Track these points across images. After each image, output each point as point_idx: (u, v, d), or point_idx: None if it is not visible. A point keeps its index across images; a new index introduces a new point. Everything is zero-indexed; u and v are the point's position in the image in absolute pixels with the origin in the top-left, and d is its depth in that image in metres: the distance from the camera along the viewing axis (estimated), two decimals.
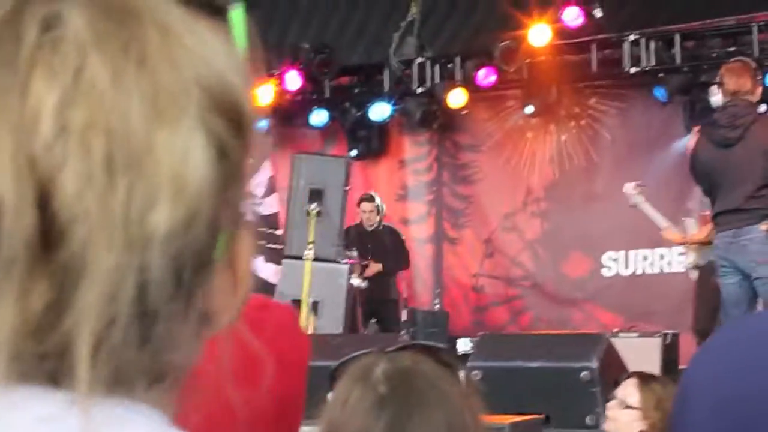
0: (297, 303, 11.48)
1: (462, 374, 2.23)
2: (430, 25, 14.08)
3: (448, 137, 15.02)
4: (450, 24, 14.33)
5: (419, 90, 14.08)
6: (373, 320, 12.56)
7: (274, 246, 9.59)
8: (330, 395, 2.08)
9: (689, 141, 10.24)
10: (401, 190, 15.14)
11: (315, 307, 11.52)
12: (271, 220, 9.57)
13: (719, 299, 9.65)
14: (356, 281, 12.77)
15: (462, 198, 15.05)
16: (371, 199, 13.35)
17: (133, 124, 0.76)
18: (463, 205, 15.05)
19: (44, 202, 0.74)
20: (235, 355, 0.89)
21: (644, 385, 4.94)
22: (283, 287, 11.65)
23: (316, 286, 11.35)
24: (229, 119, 0.79)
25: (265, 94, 14.01)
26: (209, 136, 0.78)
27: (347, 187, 12.46)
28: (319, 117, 14.63)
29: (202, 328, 0.84)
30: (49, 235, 0.74)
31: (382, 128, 15.01)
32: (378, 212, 13.26)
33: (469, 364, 8.42)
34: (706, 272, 10.00)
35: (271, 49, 14.48)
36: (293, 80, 14.11)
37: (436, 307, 14.17)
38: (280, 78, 14.06)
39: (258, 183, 9.33)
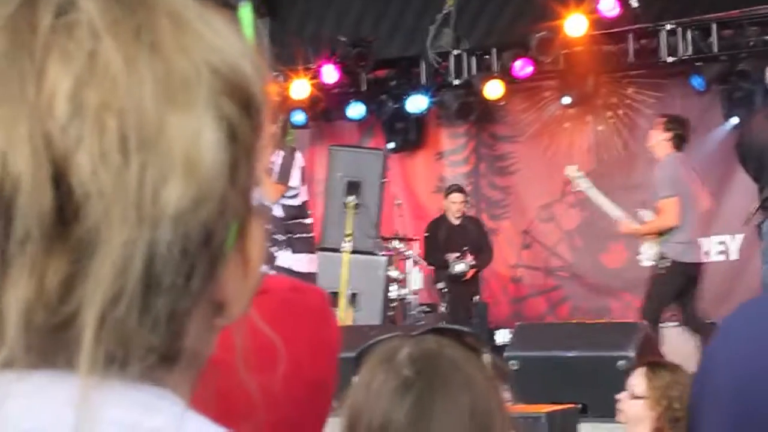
0: (335, 295, 11.51)
1: (487, 358, 2.23)
2: (466, 17, 14.06)
3: (485, 129, 15.01)
4: (486, 15, 14.31)
5: (456, 82, 14.07)
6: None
7: (304, 235, 9.64)
8: (355, 378, 2.10)
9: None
10: (439, 182, 15.13)
11: (353, 299, 11.55)
12: (303, 209, 9.61)
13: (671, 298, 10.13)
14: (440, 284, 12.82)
15: (500, 189, 15.04)
16: (460, 189, 13.13)
17: (145, 106, 0.78)
18: (501, 196, 15.04)
19: (60, 180, 0.77)
20: (250, 341, 0.92)
21: (652, 373, 4.78)
22: (320, 280, 11.68)
23: (354, 279, 11.38)
24: (240, 103, 0.82)
25: (302, 88, 14.06)
26: (220, 118, 0.81)
27: (384, 180, 12.48)
28: (356, 110, 14.65)
29: (216, 317, 0.87)
30: (65, 211, 0.77)
31: (420, 120, 15.02)
32: (466, 203, 13.06)
33: (506, 354, 8.42)
34: (679, 271, 10.17)
35: (308, 42, 14.51)
36: (330, 74, 14.12)
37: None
38: (317, 72, 14.10)
39: (294, 176, 9.35)
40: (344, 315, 11.20)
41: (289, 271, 9.42)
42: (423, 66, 14.29)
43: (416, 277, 13.22)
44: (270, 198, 9.34)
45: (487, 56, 14.05)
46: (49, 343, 0.79)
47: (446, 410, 2.00)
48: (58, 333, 0.79)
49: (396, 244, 13.10)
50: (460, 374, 2.05)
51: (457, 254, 12.75)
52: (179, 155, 0.78)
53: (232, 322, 0.88)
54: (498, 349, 10.48)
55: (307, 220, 9.63)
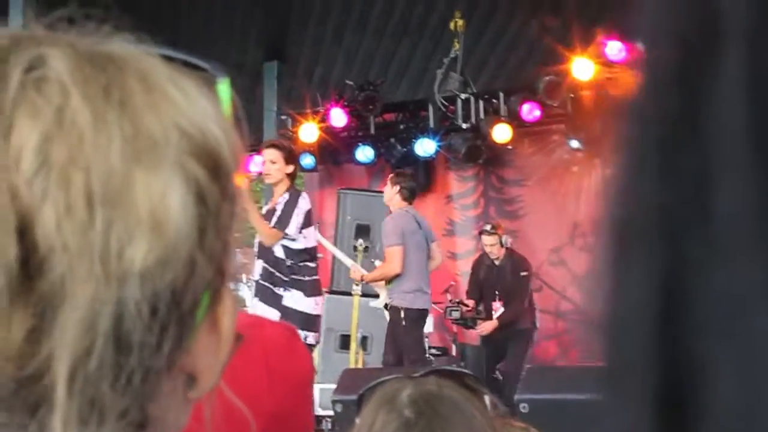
0: (346, 338, 11.52)
1: (487, 399, 2.26)
2: (473, 61, 14.13)
3: (493, 172, 15.03)
4: (493, 59, 14.38)
5: (464, 125, 14.09)
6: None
7: (312, 278, 9.66)
8: (357, 420, 2.12)
9: None
10: (448, 225, 15.13)
11: (364, 341, 11.55)
12: (311, 252, 9.63)
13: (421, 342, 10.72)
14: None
15: (509, 232, 14.98)
16: (489, 231, 12.53)
17: (112, 163, 0.78)
18: (510, 239, 15.03)
19: (25, 234, 0.77)
20: (219, 413, 0.92)
21: None
22: (330, 323, 11.69)
23: (365, 322, 11.39)
24: (208, 166, 0.82)
25: (310, 132, 14.14)
26: (187, 179, 0.81)
27: None
28: (365, 153, 14.68)
29: (187, 389, 0.87)
30: (29, 265, 0.77)
31: (428, 164, 15.03)
32: (502, 245, 12.46)
33: (516, 397, 8.41)
34: (415, 318, 10.67)
35: (316, 86, 14.60)
36: (338, 117, 14.17)
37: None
38: (326, 115, 14.16)
39: (292, 223, 9.39)
40: (355, 358, 11.21)
41: (301, 314, 9.45)
42: (431, 110, 14.32)
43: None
44: (265, 242, 9.44)
45: (494, 100, 14.06)
46: (19, 402, 0.79)
47: None
48: (28, 388, 0.78)
49: None
50: (461, 415, 2.07)
51: (457, 300, 12.56)
52: (145, 213, 0.79)
53: (203, 394, 0.88)
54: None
55: (312, 264, 9.64)
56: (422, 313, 10.79)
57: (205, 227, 0.82)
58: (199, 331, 0.84)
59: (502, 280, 12.37)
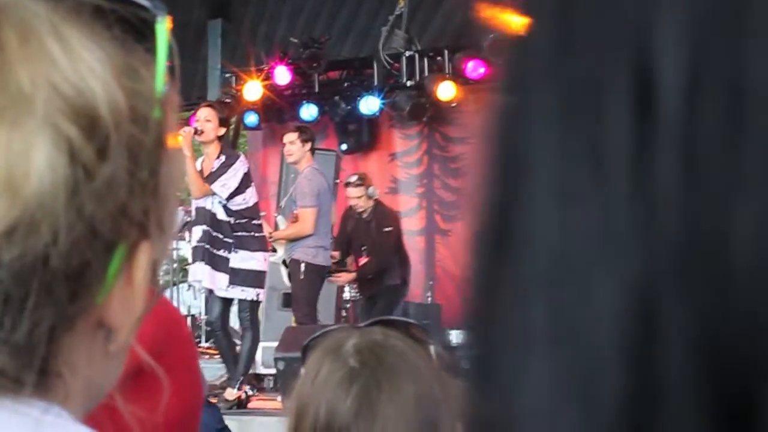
0: (288, 296, 11.49)
1: (433, 349, 2.25)
2: (418, 18, 14.10)
3: (437, 130, 15.03)
4: (438, 17, 14.35)
5: (408, 83, 14.08)
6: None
7: (258, 234, 9.68)
8: (302, 370, 2.11)
9: None
10: (392, 183, 15.14)
11: None
12: (253, 210, 9.64)
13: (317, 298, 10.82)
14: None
15: (453, 190, 15.07)
16: (357, 182, 11.90)
17: None
18: (454, 197, 15.06)
19: None
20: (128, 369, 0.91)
21: None
22: (273, 281, 11.65)
23: None
24: (82, 125, 0.78)
25: (254, 90, 14.06)
26: (57, 139, 0.76)
27: (337, 180, 12.47)
28: (308, 111, 14.62)
29: (107, 343, 0.85)
30: None
31: (372, 122, 15.02)
32: (369, 197, 11.90)
33: (459, 354, 8.46)
34: (313, 272, 10.74)
35: (260, 44, 14.51)
36: (282, 75, 14.11)
37: (429, 299, 14.15)
38: (270, 73, 14.08)
39: (224, 185, 9.37)
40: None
41: (251, 272, 9.47)
42: (375, 67, 14.30)
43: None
44: (192, 193, 9.49)
45: (439, 57, 14.07)
46: None
47: (391, 399, 2.02)
48: None
49: None
50: (406, 364, 2.07)
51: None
52: (1, 174, 0.75)
53: (122, 348, 0.86)
54: (453, 349, 10.50)
55: (256, 221, 9.65)
56: (322, 270, 10.83)
57: (77, 188, 0.77)
58: (114, 285, 0.82)
59: (368, 234, 11.89)
